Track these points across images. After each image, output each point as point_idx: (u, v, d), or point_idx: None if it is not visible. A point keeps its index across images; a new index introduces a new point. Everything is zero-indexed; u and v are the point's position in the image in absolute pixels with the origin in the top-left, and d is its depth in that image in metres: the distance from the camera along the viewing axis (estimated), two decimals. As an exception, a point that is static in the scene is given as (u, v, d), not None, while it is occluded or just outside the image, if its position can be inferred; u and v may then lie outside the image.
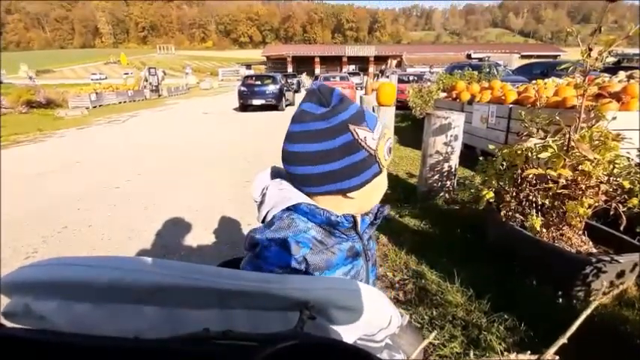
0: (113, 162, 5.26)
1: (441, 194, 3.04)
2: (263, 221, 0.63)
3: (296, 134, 0.58)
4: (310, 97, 0.58)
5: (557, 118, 1.85)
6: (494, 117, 4.53)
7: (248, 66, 52.16)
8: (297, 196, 0.59)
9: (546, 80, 5.70)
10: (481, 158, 2.14)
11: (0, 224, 2.89)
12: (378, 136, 0.59)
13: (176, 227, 2.93)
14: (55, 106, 14.48)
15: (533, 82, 5.84)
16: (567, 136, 1.63)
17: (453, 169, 3.01)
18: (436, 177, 2.99)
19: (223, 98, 19.37)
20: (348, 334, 0.44)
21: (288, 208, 0.59)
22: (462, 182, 3.57)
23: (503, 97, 4.44)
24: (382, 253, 2.37)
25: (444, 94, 7.37)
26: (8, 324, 0.31)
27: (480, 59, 18.39)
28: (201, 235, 2.78)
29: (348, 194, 0.60)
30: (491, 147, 2.17)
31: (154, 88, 21.15)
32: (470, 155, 4.69)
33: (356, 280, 0.61)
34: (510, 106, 4.19)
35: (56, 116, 12.25)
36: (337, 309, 0.41)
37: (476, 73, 8.42)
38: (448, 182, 3.03)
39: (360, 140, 0.57)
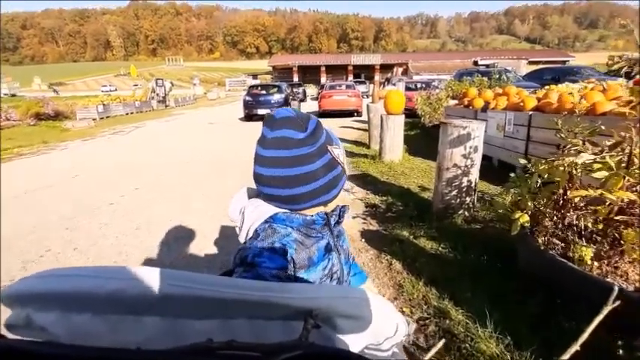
0: (111, 175, 5.07)
1: (460, 212, 2.73)
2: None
3: (283, 159, 0.61)
4: (287, 124, 0.62)
5: (608, 128, 1.56)
6: (512, 125, 4.23)
7: (254, 76, 52.55)
8: (272, 209, 0.64)
9: (564, 85, 5.40)
10: (512, 174, 1.84)
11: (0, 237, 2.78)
12: (343, 151, 0.70)
13: (168, 249, 2.67)
14: (63, 118, 14.61)
15: (546, 87, 5.53)
16: (628, 150, 1.34)
17: (472, 184, 2.71)
18: (454, 193, 2.69)
19: (230, 108, 19.36)
20: (354, 343, 0.44)
21: (266, 221, 0.64)
22: (481, 197, 3.27)
23: (521, 104, 4.14)
24: (396, 283, 2.08)
25: (454, 102, 7.10)
26: (11, 336, 0.31)
27: (487, 66, 18.09)
28: (195, 259, 2.52)
29: (328, 204, 0.68)
30: (522, 161, 1.88)
31: (161, 99, 21.26)
32: (486, 166, 4.38)
33: (332, 272, 0.68)
34: (530, 113, 3.89)
35: (63, 128, 12.29)
36: (342, 318, 0.40)
37: (485, 79, 8.14)
38: (468, 198, 2.73)
39: (335, 158, 0.65)
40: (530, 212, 1.71)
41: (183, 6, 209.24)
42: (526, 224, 1.72)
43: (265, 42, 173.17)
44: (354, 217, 3.16)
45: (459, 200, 2.71)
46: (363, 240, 2.68)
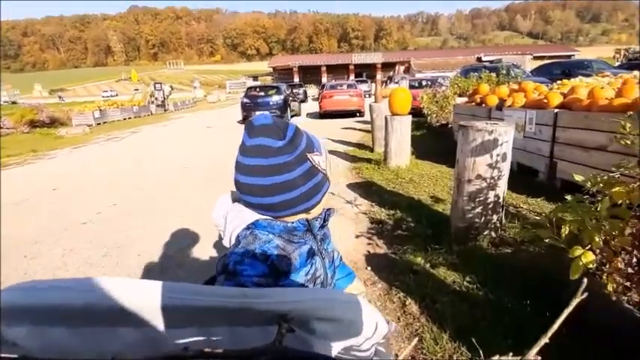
0: (92, 188, 4.66)
1: (486, 232, 2.28)
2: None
3: (261, 168, 0.60)
4: (265, 132, 0.61)
5: None
6: (534, 124, 3.77)
7: (255, 77, 52.22)
8: (253, 215, 0.63)
9: (578, 79, 4.92)
10: (568, 196, 1.39)
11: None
12: (325, 157, 0.68)
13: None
14: (59, 125, 14.29)
15: (557, 82, 5.06)
16: None
17: (500, 199, 2.26)
18: (478, 210, 2.24)
19: (229, 110, 18.96)
20: (332, 345, 0.43)
21: (248, 227, 0.63)
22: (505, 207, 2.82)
23: (544, 101, 3.68)
24: (412, 333, 1.63)
25: (463, 99, 6.64)
26: None
27: (492, 62, 17.59)
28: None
29: (310, 211, 0.66)
30: (578, 178, 1.44)
31: (160, 103, 20.90)
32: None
33: (316, 276, 0.67)
34: (556, 111, 3.43)
35: (57, 135, 11.95)
36: (319, 320, 0.40)
37: (493, 75, 7.69)
38: (495, 216, 2.27)
39: (316, 165, 0.65)
40: (596, 249, 1.27)
41: (182, 10, 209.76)
42: (590, 265, 1.27)
43: (266, 43, 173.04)
44: (357, 237, 2.73)
45: (484, 219, 2.25)
46: (369, 268, 2.24)
